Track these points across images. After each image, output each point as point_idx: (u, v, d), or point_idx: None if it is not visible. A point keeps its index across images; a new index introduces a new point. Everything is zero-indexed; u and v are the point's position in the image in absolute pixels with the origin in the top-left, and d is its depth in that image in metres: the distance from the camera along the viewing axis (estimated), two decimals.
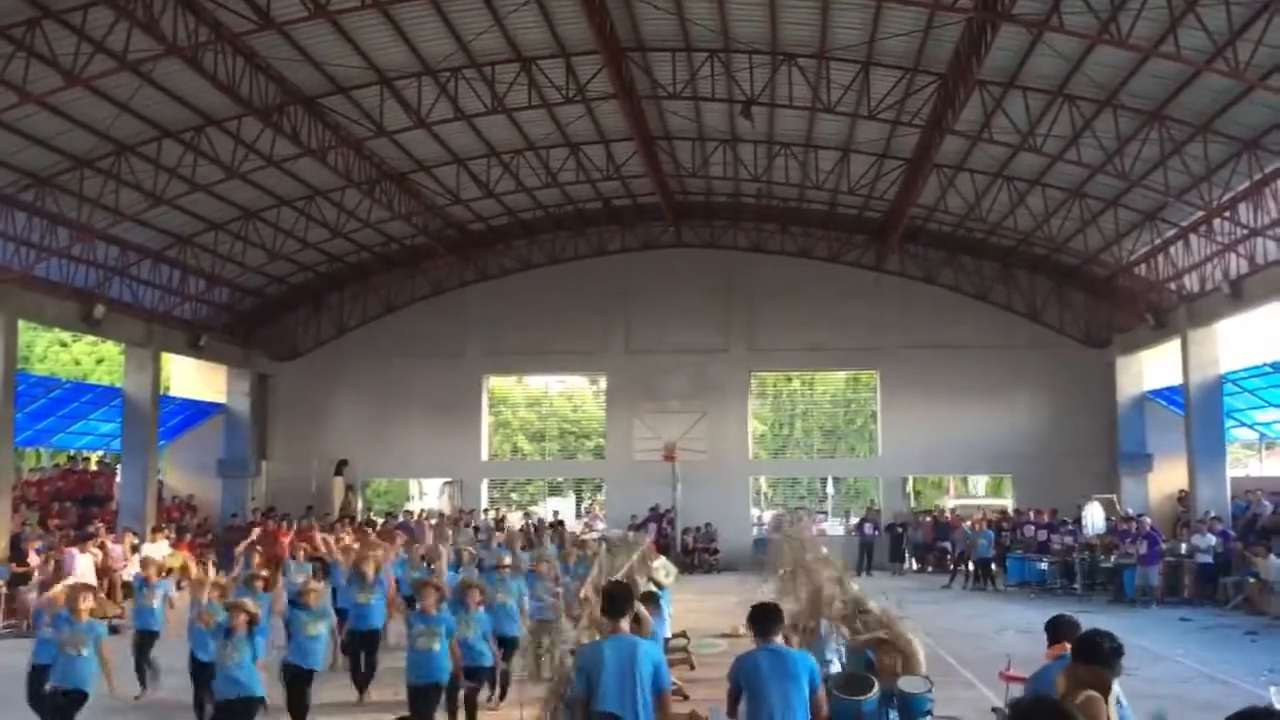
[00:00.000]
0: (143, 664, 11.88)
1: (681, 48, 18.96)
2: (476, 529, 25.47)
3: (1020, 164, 21.69)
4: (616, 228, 29.65)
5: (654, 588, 11.56)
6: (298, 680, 10.08)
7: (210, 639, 9.59)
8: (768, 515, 36.74)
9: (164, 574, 12.93)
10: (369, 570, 12.32)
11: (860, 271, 29.02)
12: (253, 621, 8.77)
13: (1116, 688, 5.52)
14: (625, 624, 6.30)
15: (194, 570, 16.82)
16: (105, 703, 9.95)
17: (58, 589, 10.17)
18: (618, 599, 6.48)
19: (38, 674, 9.61)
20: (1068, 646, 5.75)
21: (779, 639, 6.42)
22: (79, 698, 9.17)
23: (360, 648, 11.96)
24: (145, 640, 12.01)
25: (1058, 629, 6.27)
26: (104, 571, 18.91)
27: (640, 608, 7.70)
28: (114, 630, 12.79)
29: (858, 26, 17.34)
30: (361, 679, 11.84)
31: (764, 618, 6.47)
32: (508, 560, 13.10)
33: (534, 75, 19.52)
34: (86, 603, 9.37)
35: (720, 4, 17.28)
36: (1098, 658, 5.09)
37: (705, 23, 17.91)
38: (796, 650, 6.68)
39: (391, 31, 17.49)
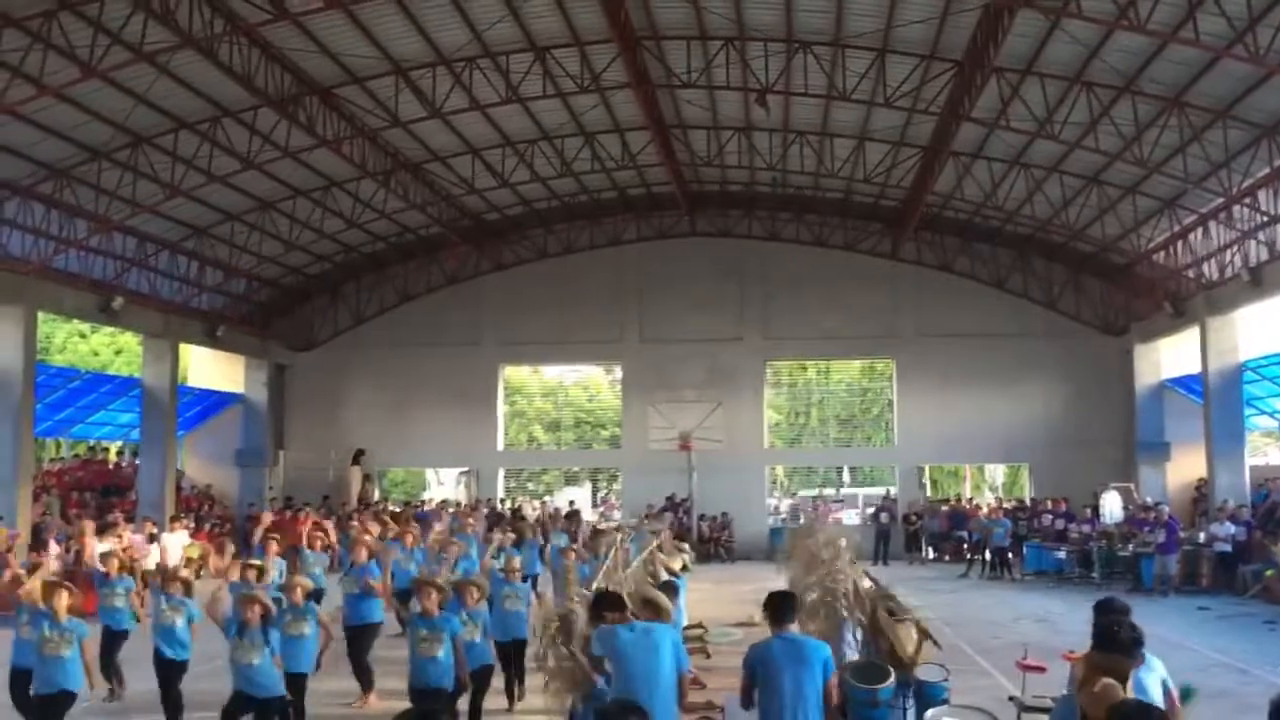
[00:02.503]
0: (109, 665, 10.98)
1: (696, 36, 18.89)
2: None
3: (1037, 151, 21.55)
4: (631, 217, 29.64)
5: (669, 576, 11.54)
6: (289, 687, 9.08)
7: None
8: (785, 504, 36.78)
9: (163, 575, 11.03)
10: (361, 556, 11.58)
11: (876, 260, 28.90)
12: (266, 614, 8.36)
13: (1163, 670, 5.51)
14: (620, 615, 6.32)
15: (213, 560, 16.83)
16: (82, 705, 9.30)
17: (34, 581, 9.35)
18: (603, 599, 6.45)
19: (19, 678, 8.99)
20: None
21: (794, 627, 6.41)
22: (67, 699, 8.63)
23: (353, 644, 11.19)
24: (112, 641, 11.14)
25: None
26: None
27: (660, 595, 7.69)
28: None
29: (874, 13, 17.24)
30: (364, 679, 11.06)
31: (779, 605, 6.44)
32: (517, 563, 11.87)
33: (548, 65, 19.48)
34: (63, 600, 8.75)
35: None
36: (1116, 646, 5.06)
37: (720, 11, 17.84)
38: (811, 638, 6.67)
39: (406, 22, 17.50)
